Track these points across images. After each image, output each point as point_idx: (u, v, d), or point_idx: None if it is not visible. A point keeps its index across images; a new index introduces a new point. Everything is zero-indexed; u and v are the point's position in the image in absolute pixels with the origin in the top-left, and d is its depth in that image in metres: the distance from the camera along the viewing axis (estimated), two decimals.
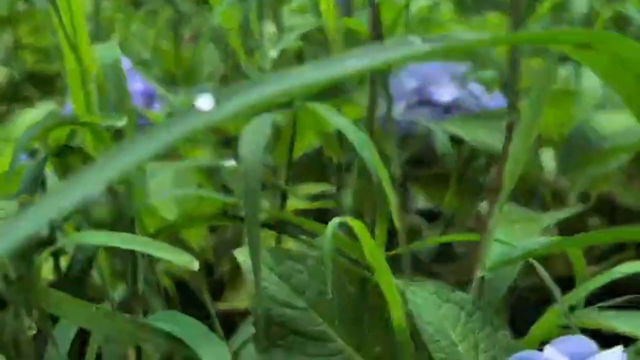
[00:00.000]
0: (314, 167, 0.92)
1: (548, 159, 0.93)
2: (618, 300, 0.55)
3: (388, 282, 0.53)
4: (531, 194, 0.97)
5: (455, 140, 0.99)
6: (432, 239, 0.59)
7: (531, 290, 0.75)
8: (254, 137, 0.56)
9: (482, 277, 0.54)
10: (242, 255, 0.65)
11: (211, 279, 0.86)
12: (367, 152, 0.58)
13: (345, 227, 0.56)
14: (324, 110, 0.59)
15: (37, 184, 0.55)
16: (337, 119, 0.59)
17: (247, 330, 0.70)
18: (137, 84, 1.04)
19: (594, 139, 0.92)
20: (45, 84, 1.25)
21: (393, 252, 0.58)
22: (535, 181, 0.91)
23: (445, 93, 1.01)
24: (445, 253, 0.89)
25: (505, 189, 0.55)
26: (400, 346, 0.53)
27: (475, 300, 0.54)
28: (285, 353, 0.61)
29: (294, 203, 0.77)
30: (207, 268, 0.87)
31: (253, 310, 0.61)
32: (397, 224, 0.56)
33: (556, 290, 0.55)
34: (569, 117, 0.90)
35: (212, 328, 0.71)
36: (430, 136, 1.05)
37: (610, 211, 0.94)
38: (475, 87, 1.02)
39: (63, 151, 0.59)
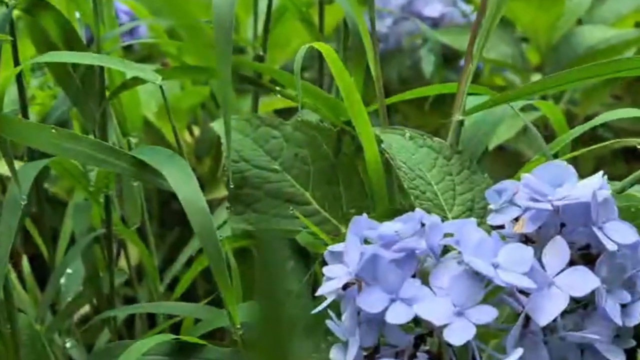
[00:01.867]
0: None
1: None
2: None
3: (364, 123, 0.51)
4: None
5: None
6: (410, 92, 0.57)
7: None
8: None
9: (461, 122, 0.53)
10: (218, 124, 0.64)
11: None
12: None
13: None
14: None
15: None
16: None
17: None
18: None
19: (580, 48, 0.91)
20: None
21: (371, 106, 0.57)
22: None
23: (433, 8, 1.00)
24: None
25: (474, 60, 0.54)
26: (374, 190, 0.52)
27: (452, 145, 0.53)
28: (259, 216, 0.59)
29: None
30: None
31: (229, 170, 0.60)
32: (374, 73, 0.55)
33: (539, 138, 0.54)
34: (558, 23, 0.89)
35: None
36: (418, 54, 1.04)
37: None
38: (462, 4, 1.01)
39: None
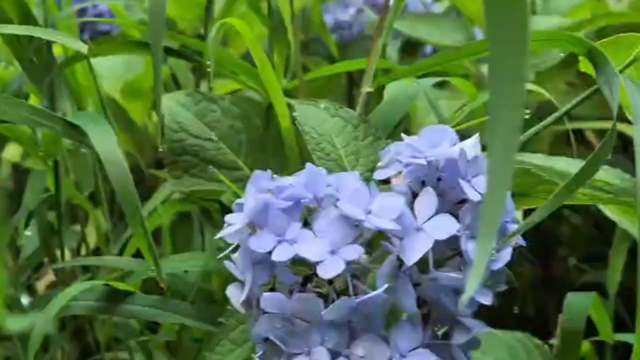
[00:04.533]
0: None
1: None
2: None
3: (277, 94, 0.57)
4: None
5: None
6: (321, 70, 0.63)
7: None
8: None
9: (369, 93, 0.58)
10: (165, 99, 0.70)
11: (156, 155, 0.90)
12: None
13: None
14: None
15: None
16: None
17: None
18: None
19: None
20: None
21: (292, 82, 0.62)
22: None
23: None
24: None
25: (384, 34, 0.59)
26: (288, 153, 0.57)
27: (361, 115, 0.58)
28: (195, 179, 0.65)
29: None
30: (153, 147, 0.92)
31: (168, 142, 0.65)
32: (293, 51, 0.60)
33: (440, 114, 0.59)
34: None
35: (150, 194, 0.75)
36: None
37: None
38: None
39: None
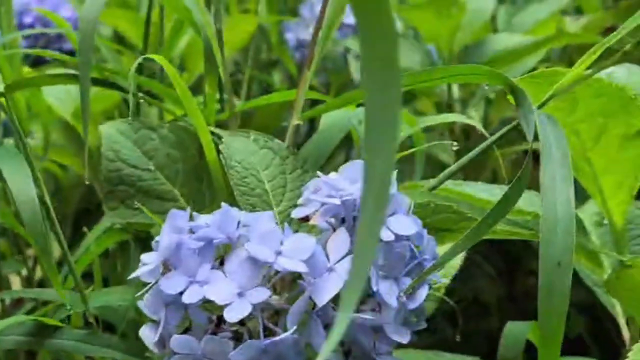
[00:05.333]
0: None
1: None
2: None
3: (201, 126, 0.56)
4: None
5: None
6: (256, 100, 0.62)
7: None
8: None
9: (297, 125, 0.58)
10: (105, 127, 0.70)
11: None
12: None
13: None
14: None
15: None
16: None
17: None
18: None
19: (486, 54, 0.95)
20: None
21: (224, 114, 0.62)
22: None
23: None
24: None
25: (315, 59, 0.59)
26: (215, 186, 0.57)
27: (289, 147, 0.58)
28: (131, 211, 0.65)
29: None
30: None
31: (104, 172, 0.65)
32: (224, 80, 0.60)
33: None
34: (459, 32, 0.93)
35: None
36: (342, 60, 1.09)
37: None
38: None
39: None
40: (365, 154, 0.30)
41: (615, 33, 0.51)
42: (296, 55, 1.07)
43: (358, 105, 0.65)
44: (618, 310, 0.60)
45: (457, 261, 0.70)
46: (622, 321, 0.61)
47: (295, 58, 1.07)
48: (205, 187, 0.64)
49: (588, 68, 0.51)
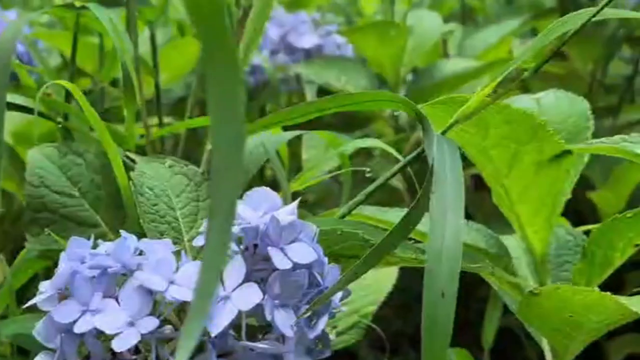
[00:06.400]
0: None
1: None
2: None
3: (113, 152, 0.56)
4: None
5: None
6: (171, 127, 0.62)
7: None
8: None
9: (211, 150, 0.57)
10: (33, 151, 0.69)
11: None
12: None
13: None
14: None
15: None
16: None
17: None
18: None
19: (434, 79, 0.95)
20: None
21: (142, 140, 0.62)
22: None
23: (308, 40, 1.05)
24: None
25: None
26: (127, 213, 0.57)
27: (203, 172, 0.58)
28: (51, 238, 0.64)
29: None
30: None
31: (27, 199, 0.65)
32: (139, 101, 0.60)
33: (280, 169, 0.59)
34: (403, 58, 0.93)
35: None
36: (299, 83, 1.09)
37: None
38: (337, 37, 1.06)
39: None
40: (210, 187, 0.30)
41: (512, 62, 0.51)
42: (251, 79, 1.07)
43: (284, 128, 0.65)
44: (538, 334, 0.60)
45: (388, 286, 0.70)
46: (545, 346, 0.60)
47: (249, 82, 1.07)
48: (127, 212, 0.64)
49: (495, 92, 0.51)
